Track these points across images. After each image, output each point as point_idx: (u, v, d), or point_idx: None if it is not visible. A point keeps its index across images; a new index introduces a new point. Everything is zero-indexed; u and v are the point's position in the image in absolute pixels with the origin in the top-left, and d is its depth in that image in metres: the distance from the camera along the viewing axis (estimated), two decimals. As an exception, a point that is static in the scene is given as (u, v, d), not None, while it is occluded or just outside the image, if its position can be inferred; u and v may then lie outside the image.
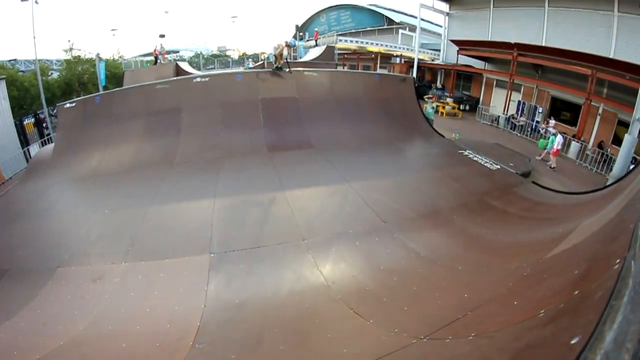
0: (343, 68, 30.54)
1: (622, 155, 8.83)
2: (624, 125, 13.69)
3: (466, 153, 10.48)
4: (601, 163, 12.94)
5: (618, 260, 1.92)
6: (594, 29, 16.80)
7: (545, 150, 13.88)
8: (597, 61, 15.22)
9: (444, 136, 12.48)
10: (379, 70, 30.18)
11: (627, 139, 8.85)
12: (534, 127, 17.81)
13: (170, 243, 5.87)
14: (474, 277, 4.56)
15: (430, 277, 4.83)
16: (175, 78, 13.40)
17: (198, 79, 11.52)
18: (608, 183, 8.06)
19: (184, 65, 26.96)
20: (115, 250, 5.76)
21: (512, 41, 19.44)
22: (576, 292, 2.20)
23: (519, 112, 19.83)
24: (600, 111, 16.29)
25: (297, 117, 11.10)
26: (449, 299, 4.12)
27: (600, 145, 14.92)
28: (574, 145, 14.60)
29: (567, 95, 17.87)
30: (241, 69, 26.46)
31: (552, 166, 12.89)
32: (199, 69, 30.22)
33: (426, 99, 16.85)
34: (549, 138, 14.83)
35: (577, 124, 16.85)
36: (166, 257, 5.52)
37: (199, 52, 49.36)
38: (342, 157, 9.47)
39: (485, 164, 9.70)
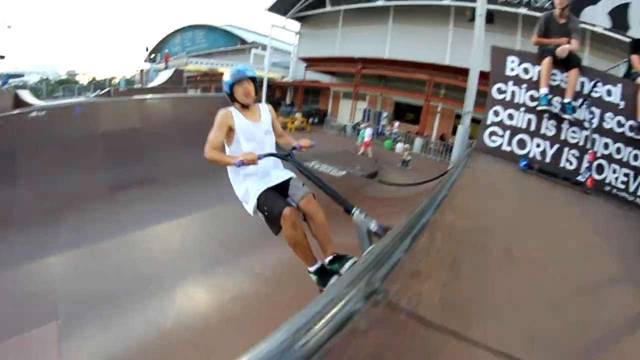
0: (195, 91, 29.35)
1: (458, 143, 9.81)
2: (460, 118, 15.78)
3: (312, 164, 10.45)
4: (444, 152, 14.43)
5: None
6: (432, 41, 19.21)
7: (359, 144, 14.89)
8: (435, 68, 17.40)
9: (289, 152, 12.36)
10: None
11: (460, 129, 9.84)
12: (379, 130, 19.25)
13: (15, 317, 4.95)
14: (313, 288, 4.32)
15: (273, 296, 4.82)
16: (9, 113, 11.00)
17: (34, 114, 9.74)
18: (449, 168, 8.70)
19: (25, 95, 22.94)
20: None
21: (357, 56, 20.80)
22: None
23: (365, 119, 21.10)
24: (439, 109, 18.50)
25: (139, 150, 10.09)
26: (284, 319, 3.72)
27: (442, 138, 16.91)
28: (418, 141, 16.06)
29: (409, 99, 19.76)
30: (82, 99, 23.52)
31: (369, 156, 13.72)
32: (43, 98, 26.11)
33: None
34: (394, 139, 16.16)
35: (419, 123, 18.73)
36: (13, 334, 4.67)
37: (44, 78, 43.21)
38: (185, 189, 8.90)
39: (331, 172, 9.79)
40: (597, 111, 4.45)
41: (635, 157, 4.35)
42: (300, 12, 25.92)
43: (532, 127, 4.72)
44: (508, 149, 4.78)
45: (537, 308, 1.46)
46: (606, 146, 4.40)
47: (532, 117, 4.72)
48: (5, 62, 32.06)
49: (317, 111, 24.94)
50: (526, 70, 4.84)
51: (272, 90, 29.01)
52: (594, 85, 4.42)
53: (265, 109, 2.97)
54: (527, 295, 1.56)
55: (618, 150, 4.39)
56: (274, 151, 2.81)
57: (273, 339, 0.91)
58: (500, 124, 4.88)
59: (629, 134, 4.33)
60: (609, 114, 4.45)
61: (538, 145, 4.67)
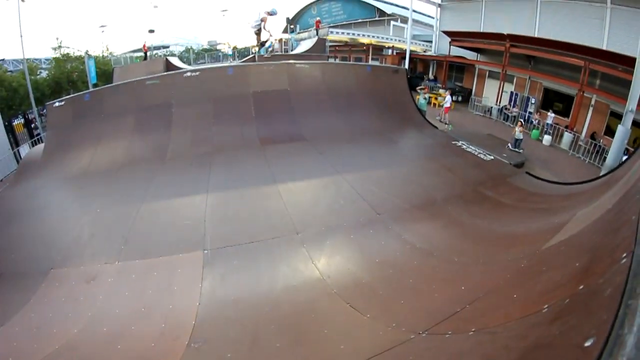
0: (335, 60, 30.25)
1: (615, 146, 8.87)
2: (616, 116, 13.82)
3: (459, 144, 10.49)
4: (594, 154, 13.02)
5: (625, 255, 1.88)
6: (586, 20, 16.83)
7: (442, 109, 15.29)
8: (590, 52, 15.22)
9: (436, 127, 12.48)
10: (370, 62, 29.98)
11: (620, 130, 8.88)
12: (526, 117, 17.79)
13: (163, 241, 5.80)
14: (471, 269, 4.50)
15: (426, 269, 4.78)
16: (165, 73, 13.17)
17: (188, 74, 11.31)
18: (602, 174, 8.07)
19: (174, 60, 26.57)
20: (108, 250, 5.67)
21: (505, 32, 19.36)
22: (581, 287, 2.15)
23: (512, 103, 19.85)
24: (592, 102, 16.34)
25: (289, 110, 11.03)
26: (446, 292, 4.09)
27: (592, 136, 15.03)
28: (567, 136, 14.66)
29: (560, 86, 17.89)
30: (232, 63, 26.11)
31: (446, 122, 14.04)
32: (189, 64, 29.77)
33: (418, 90, 16.89)
34: (541, 130, 15.08)
35: (569, 115, 16.96)
36: (159, 255, 5.44)
37: (189, 47, 48.67)
38: (335, 149, 9.40)
39: (479, 155, 9.69)
40: None
41: None
42: (441, -18, 24.62)
43: None
44: None
45: None
46: None
47: None
48: (154, 35, 36.29)
49: (462, 89, 24.16)
50: None
51: (414, 63, 28.69)
52: None
53: None
54: None
55: None
56: None
57: None
58: None
59: None
60: None
61: None
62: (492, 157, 9.53)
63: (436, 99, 21.83)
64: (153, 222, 6.43)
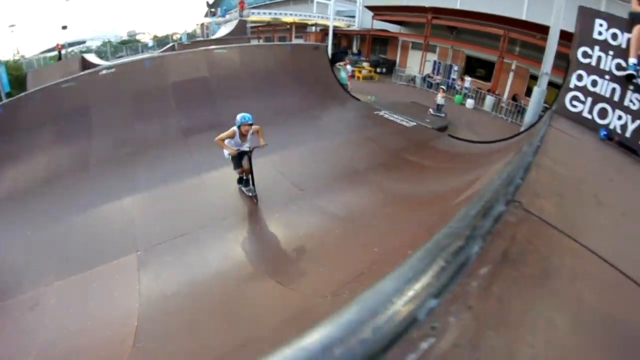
0: (259, 41, 29.49)
1: (532, 105, 9.43)
2: (536, 79, 14.80)
3: (382, 114, 10.62)
4: (515, 114, 13.95)
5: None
6: None
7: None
8: (510, 22, 16.33)
9: (359, 99, 12.54)
10: (294, 41, 29.56)
11: (536, 91, 9.41)
12: (450, 84, 18.62)
13: (98, 250, 5.61)
14: (388, 231, 4.84)
15: (346, 237, 5.05)
16: (81, 73, 11.93)
17: (104, 71, 10.41)
18: (521, 130, 8.62)
19: (91, 57, 24.52)
20: (45, 272, 5.37)
21: (427, 5, 19.83)
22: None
23: (435, 71, 20.53)
24: (513, 67, 17.46)
25: (210, 97, 10.67)
26: (360, 256, 4.40)
27: (514, 98, 16.11)
28: (489, 99, 15.55)
29: (482, 54, 18.76)
30: (152, 54, 24.75)
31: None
32: (107, 59, 27.78)
33: (338, 66, 17.08)
34: (464, 94, 15.83)
35: (491, 80, 17.95)
36: (96, 265, 5.27)
37: (106, 40, 45.39)
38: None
39: (402, 123, 9.88)
40: None
41: None
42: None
43: (616, 98, 4.56)
44: (589, 116, 4.68)
45: (619, 239, 2.00)
46: None
47: (617, 87, 4.56)
48: (67, 32, 33.37)
49: (385, 61, 24.42)
50: (614, 36, 4.66)
51: (338, 39, 28.57)
52: None
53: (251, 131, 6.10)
54: (611, 229, 2.12)
55: None
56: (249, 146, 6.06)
57: (464, 219, 1.41)
58: (583, 89, 4.77)
59: None
60: None
61: (620, 118, 4.49)
62: (414, 124, 9.79)
63: (360, 72, 21.93)
64: (86, 234, 6.19)
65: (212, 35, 26.51)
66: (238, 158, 6.02)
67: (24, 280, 5.39)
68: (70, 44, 30.18)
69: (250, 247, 5.25)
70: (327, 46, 14.74)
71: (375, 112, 10.74)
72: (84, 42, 45.09)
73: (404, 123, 9.77)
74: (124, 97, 10.10)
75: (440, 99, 12.55)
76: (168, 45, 26.24)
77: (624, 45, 4.57)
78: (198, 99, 10.44)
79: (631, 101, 4.49)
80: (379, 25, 24.44)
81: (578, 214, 2.16)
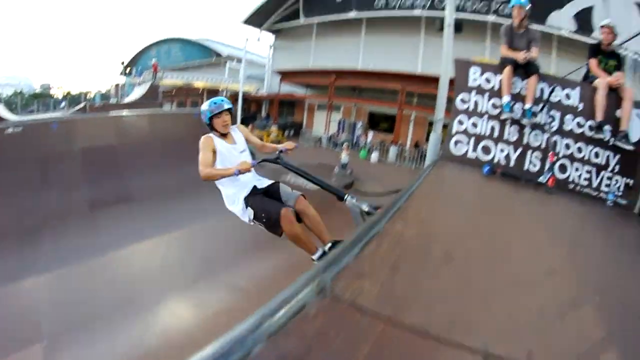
0: (171, 106, 29.07)
1: (430, 150, 10.01)
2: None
3: (288, 178, 10.54)
4: (418, 159, 14.81)
5: None
6: (404, 51, 19.89)
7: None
8: (407, 77, 17.95)
9: (278, 154, 12.42)
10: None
11: (432, 137, 10.04)
12: (354, 141, 19.53)
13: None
14: None
15: (255, 310, 4.53)
16: None
17: (10, 130, 9.39)
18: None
19: (0, 109, 22.22)
20: None
21: (331, 68, 21.12)
22: None
23: (340, 130, 21.54)
24: (412, 117, 19.06)
25: (119, 167, 9.98)
26: None
27: (416, 145, 17.36)
28: (392, 150, 16.49)
29: (383, 109, 20.20)
30: (58, 114, 23.01)
31: None
32: (17, 112, 25.37)
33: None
34: (368, 149, 16.66)
35: (393, 132, 19.15)
36: None
37: (18, 91, 41.84)
38: (165, 206, 8.90)
39: (307, 186, 9.79)
40: (557, 114, 4.71)
41: (596, 155, 4.63)
42: (275, 24, 26.17)
43: (496, 134, 4.94)
44: (473, 155, 4.98)
45: (466, 299, 1.67)
46: (567, 146, 4.68)
47: (495, 124, 4.94)
48: None
49: (293, 123, 25.12)
50: (488, 80, 5.08)
51: (248, 104, 28.95)
52: (552, 91, 4.68)
53: (236, 132, 3.40)
54: (457, 289, 1.77)
55: (579, 150, 4.66)
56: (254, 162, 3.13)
57: (247, 321, 1.19)
58: (464, 132, 5.06)
59: (589, 133, 4.60)
60: (568, 116, 4.71)
61: (502, 150, 4.88)
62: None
63: (268, 136, 21.99)
64: None
65: (126, 95, 25.51)
66: (259, 201, 3.12)
67: None
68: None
69: (160, 331, 4.96)
70: (235, 111, 14.63)
71: (282, 177, 10.67)
72: None
73: (308, 186, 9.76)
74: (30, 162, 9.14)
75: (344, 157, 12.95)
76: (80, 106, 24.83)
77: (497, 87, 4.97)
78: (106, 168, 9.79)
79: (510, 133, 4.90)
80: (287, 89, 25.33)
81: (412, 286, 1.76)
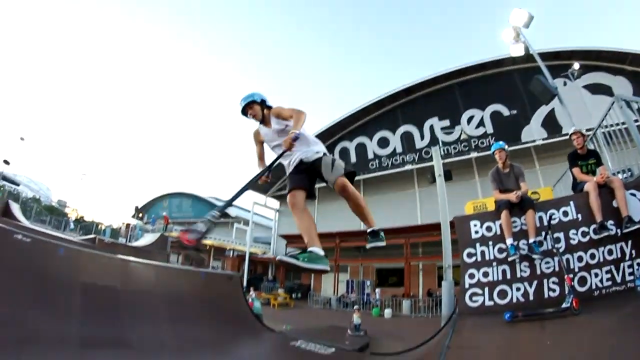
0: (178, 257, 29.30)
1: (445, 298, 9.82)
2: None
3: (298, 343, 10.19)
4: (433, 308, 14.35)
5: None
6: (402, 205, 21.38)
7: None
8: (409, 230, 18.62)
9: (274, 330, 12.13)
10: (212, 263, 30.53)
11: (445, 285, 9.94)
12: (365, 300, 19.18)
13: None
14: None
15: None
16: None
17: (20, 236, 9.24)
18: (442, 324, 8.66)
19: (15, 209, 21.70)
20: None
21: (334, 231, 21.72)
22: None
23: (349, 290, 21.33)
24: (421, 267, 19.27)
25: (118, 311, 9.55)
26: None
27: (429, 293, 17.04)
28: (405, 303, 16.02)
29: (390, 265, 20.38)
30: (69, 239, 22.83)
31: None
32: (30, 218, 25.07)
33: (252, 297, 17.00)
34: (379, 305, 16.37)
35: (403, 285, 18.93)
36: None
37: (37, 197, 41.70)
38: None
39: (319, 351, 9.47)
40: (561, 234, 4.81)
41: (610, 252, 4.60)
42: (279, 191, 27.79)
43: (508, 276, 4.96)
44: (490, 303, 4.94)
45: None
46: (580, 259, 4.69)
47: (506, 267, 5.01)
48: (9, 167, 31.69)
49: (300, 286, 24.86)
50: (489, 228, 5.27)
51: (254, 265, 29.10)
52: (551, 217, 4.84)
53: (271, 117, 3.47)
54: None
55: (592, 256, 4.67)
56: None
57: None
58: (477, 284, 5.09)
59: (595, 236, 4.64)
60: (572, 231, 4.81)
61: (518, 289, 4.87)
62: (333, 349, 9.40)
63: (275, 299, 21.67)
64: None
65: (136, 239, 25.91)
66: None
67: None
68: (5, 177, 26.96)
69: None
70: (241, 276, 14.82)
71: (291, 343, 10.32)
72: (18, 184, 40.83)
73: (321, 351, 9.42)
74: (28, 275, 8.56)
75: (356, 318, 12.55)
76: (89, 236, 24.87)
77: (498, 232, 5.18)
78: (105, 309, 9.21)
79: (522, 270, 4.93)
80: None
81: None
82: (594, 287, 4.59)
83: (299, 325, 13.27)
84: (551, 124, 19.01)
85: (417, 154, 22.04)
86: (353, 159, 24.29)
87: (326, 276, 23.58)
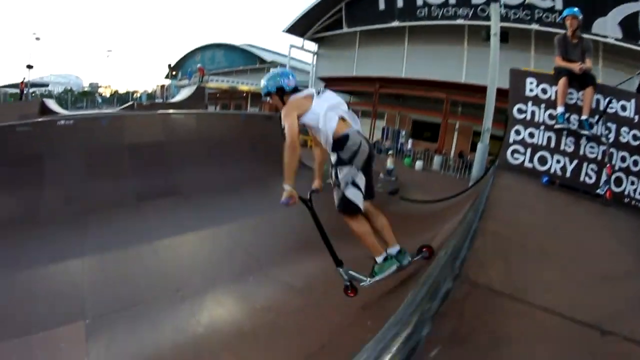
0: (216, 108, 30.17)
1: (478, 160, 9.97)
2: (479, 135, 15.95)
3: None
4: (462, 169, 14.67)
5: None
6: (448, 60, 19.59)
7: None
8: (451, 86, 17.65)
9: (311, 168, 12.62)
10: (249, 109, 30.63)
11: (480, 147, 9.98)
12: (398, 148, 19.49)
13: (42, 313, 5.02)
14: (347, 300, 4.40)
15: (305, 308, 4.72)
16: (38, 120, 11.31)
17: (62, 122, 10.05)
18: (470, 184, 8.88)
19: (51, 104, 23.79)
20: None
21: (375, 75, 21.16)
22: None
23: (384, 137, 21.59)
24: (457, 127, 18.80)
25: (165, 162, 10.30)
26: (321, 326, 4.06)
27: (460, 155, 17.14)
28: (437, 159, 16.32)
29: (427, 117, 20.02)
30: (110, 110, 24.42)
31: None
32: (67, 108, 27.18)
33: None
34: (411, 156, 16.62)
35: (437, 141, 18.94)
36: (38, 330, 4.68)
37: (68, 88, 44.75)
38: (211, 201, 9.09)
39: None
40: (613, 126, 4.65)
41: None
42: (317, 33, 26.53)
43: (552, 144, 4.92)
44: (530, 165, 4.98)
45: (570, 287, 2.00)
46: (623, 159, 4.61)
47: (552, 134, 4.94)
48: (33, 71, 33.32)
49: (336, 129, 25.38)
50: (544, 91, 5.06)
51: (292, 109, 29.67)
52: (609, 102, 4.62)
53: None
54: (560, 280, 2.10)
55: (635, 163, 4.59)
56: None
57: (407, 303, 1.42)
58: (521, 142, 5.05)
59: None
60: (624, 129, 4.65)
61: (558, 162, 4.86)
62: None
63: (312, 141, 22.52)
64: (28, 294, 5.55)
65: (171, 97, 26.80)
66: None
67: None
68: (33, 84, 29.44)
69: (205, 320, 4.87)
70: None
71: (328, 182, 10.77)
72: (47, 84, 44.20)
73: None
74: (79, 152, 9.62)
75: (389, 163, 12.95)
76: (127, 104, 26.17)
77: (553, 97, 4.96)
78: (153, 163, 10.11)
79: (566, 144, 4.87)
80: (331, 95, 25.59)
81: (526, 274, 2.18)
82: (626, 193, 4.57)
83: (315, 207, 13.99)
84: (630, 27, 15.82)
85: (472, 9, 19.26)
86: (400, 3, 21.66)
87: (363, 122, 23.56)
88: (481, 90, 14.24)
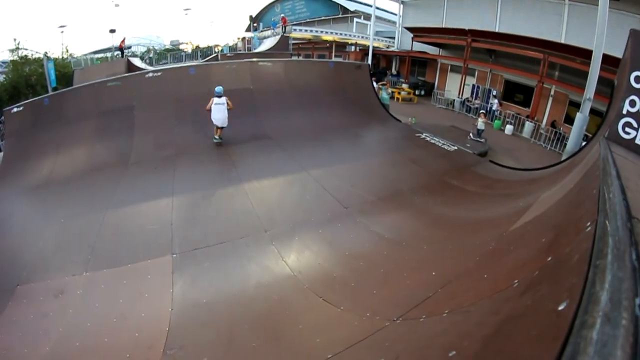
0: (298, 57, 30.28)
1: (575, 133, 9.22)
2: (575, 105, 14.60)
3: (423, 136, 10.70)
4: (554, 141, 13.80)
5: (589, 223, 1.96)
6: (546, 15, 17.87)
7: None
8: (549, 46, 16.05)
9: (400, 120, 12.55)
10: (334, 59, 30.07)
11: (579, 117, 9.20)
12: (488, 109, 18.38)
13: (131, 247, 5.60)
14: (440, 255, 4.59)
15: (396, 259, 4.81)
16: (126, 74, 12.51)
17: (150, 74, 10.89)
18: (563, 159, 8.44)
19: (136, 61, 25.88)
20: (75, 261, 5.37)
21: (466, 28, 19.96)
22: (549, 259, 2.20)
23: (474, 95, 20.61)
24: (552, 93, 17.26)
25: (253, 109, 10.83)
26: (417, 279, 4.12)
27: (553, 124, 15.84)
28: (528, 125, 15.37)
29: (520, 78, 18.68)
30: (195, 62, 25.67)
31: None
32: (151, 65, 29.08)
33: (380, 86, 17.09)
34: (502, 119, 15.73)
35: (530, 105, 17.73)
36: (128, 262, 5.24)
37: (151, 47, 47.39)
38: (300, 146, 9.34)
39: (443, 146, 9.93)
40: None
41: None
42: (404, -19, 25.04)
43: None
44: None
45: None
46: None
47: None
48: (114, 35, 35.25)
49: (424, 83, 24.76)
50: None
51: (377, 59, 29.13)
52: None
53: (223, 100, 8.69)
54: None
55: None
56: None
57: None
58: (636, 115, 4.48)
59: None
60: None
61: None
62: (455, 148, 9.79)
63: (399, 93, 22.22)
64: (119, 229, 6.22)
65: (254, 48, 27.36)
66: None
67: (52, 266, 5.33)
68: (116, 48, 31.95)
69: (292, 262, 5.01)
70: (369, 65, 14.75)
71: (417, 135, 10.79)
72: (129, 47, 47.44)
73: (445, 147, 9.78)
74: (168, 101, 10.37)
75: (480, 123, 12.52)
76: (211, 56, 27.06)
77: None
78: (241, 109, 10.39)
79: None
80: (419, 47, 24.70)
81: None
82: None
83: (422, 121, 13.98)
84: None
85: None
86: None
87: (452, 77, 23.00)
88: (582, 53, 12.99)
